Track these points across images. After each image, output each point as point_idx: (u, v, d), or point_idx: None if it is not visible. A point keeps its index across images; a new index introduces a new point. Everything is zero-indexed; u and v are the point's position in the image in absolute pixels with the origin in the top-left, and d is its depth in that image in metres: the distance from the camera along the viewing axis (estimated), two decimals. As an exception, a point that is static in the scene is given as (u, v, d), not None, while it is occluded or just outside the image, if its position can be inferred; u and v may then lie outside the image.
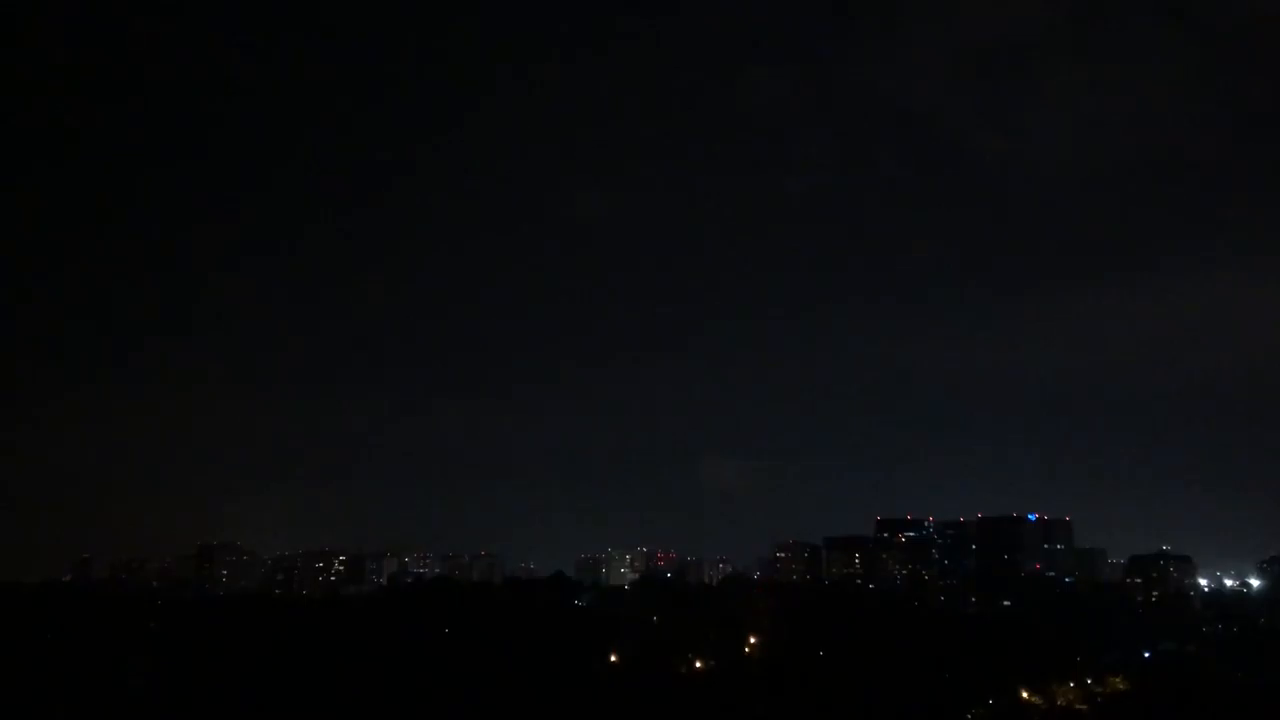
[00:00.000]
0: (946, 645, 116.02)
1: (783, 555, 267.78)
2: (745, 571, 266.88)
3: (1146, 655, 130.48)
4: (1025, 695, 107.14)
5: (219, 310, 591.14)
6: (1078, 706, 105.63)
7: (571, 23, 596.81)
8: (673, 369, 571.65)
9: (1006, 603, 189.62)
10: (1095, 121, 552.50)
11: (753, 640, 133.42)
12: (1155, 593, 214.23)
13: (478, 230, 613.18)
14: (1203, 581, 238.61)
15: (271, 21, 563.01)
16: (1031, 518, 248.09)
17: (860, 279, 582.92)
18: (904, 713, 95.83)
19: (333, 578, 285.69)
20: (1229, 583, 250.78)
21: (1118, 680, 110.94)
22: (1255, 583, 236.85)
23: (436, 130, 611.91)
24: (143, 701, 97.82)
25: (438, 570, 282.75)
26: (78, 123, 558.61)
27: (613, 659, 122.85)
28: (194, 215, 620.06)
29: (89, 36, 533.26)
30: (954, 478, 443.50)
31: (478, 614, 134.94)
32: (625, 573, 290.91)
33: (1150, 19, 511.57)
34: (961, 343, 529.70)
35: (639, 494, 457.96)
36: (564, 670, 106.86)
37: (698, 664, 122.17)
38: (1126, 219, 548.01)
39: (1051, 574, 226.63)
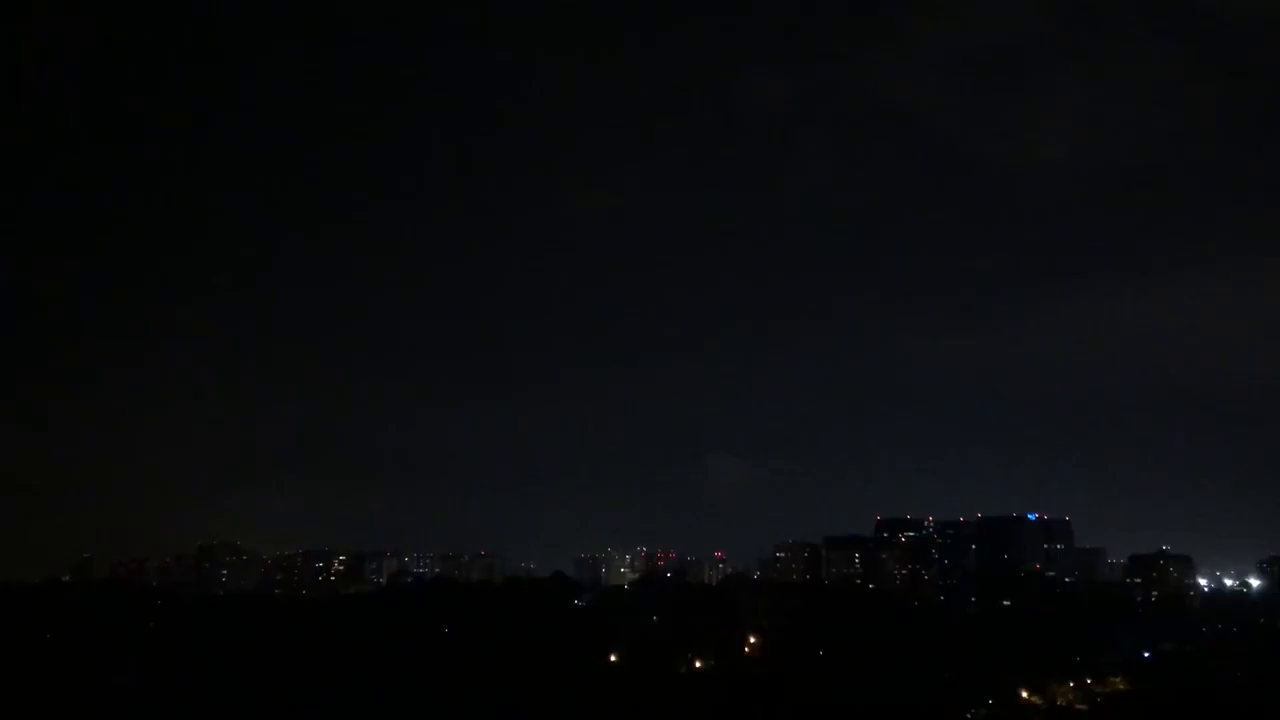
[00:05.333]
0: (946, 645, 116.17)
1: (783, 555, 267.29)
2: (745, 571, 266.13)
3: (1146, 655, 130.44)
4: (1025, 695, 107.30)
5: (220, 310, 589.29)
6: (1078, 706, 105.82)
7: (573, 25, 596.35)
8: (674, 369, 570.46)
9: (1006, 603, 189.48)
10: (1091, 123, 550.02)
11: (753, 640, 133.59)
12: (1155, 593, 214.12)
13: (479, 231, 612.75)
14: (1203, 581, 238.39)
15: (284, 20, 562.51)
16: (1031, 518, 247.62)
17: (859, 279, 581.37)
18: (904, 713, 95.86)
19: (333, 578, 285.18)
20: (1229, 583, 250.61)
21: (1118, 680, 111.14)
22: (1255, 583, 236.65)
23: (438, 131, 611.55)
24: (142, 700, 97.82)
25: (438, 570, 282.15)
26: (81, 120, 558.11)
27: (613, 659, 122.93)
28: (195, 214, 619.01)
29: (94, 32, 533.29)
30: (954, 478, 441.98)
31: (478, 614, 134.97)
32: (625, 573, 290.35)
33: (1145, 21, 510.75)
34: (961, 343, 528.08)
35: (639, 494, 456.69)
36: (564, 670, 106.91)
37: (698, 664, 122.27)
38: (1124, 219, 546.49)
39: (1051, 574, 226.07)
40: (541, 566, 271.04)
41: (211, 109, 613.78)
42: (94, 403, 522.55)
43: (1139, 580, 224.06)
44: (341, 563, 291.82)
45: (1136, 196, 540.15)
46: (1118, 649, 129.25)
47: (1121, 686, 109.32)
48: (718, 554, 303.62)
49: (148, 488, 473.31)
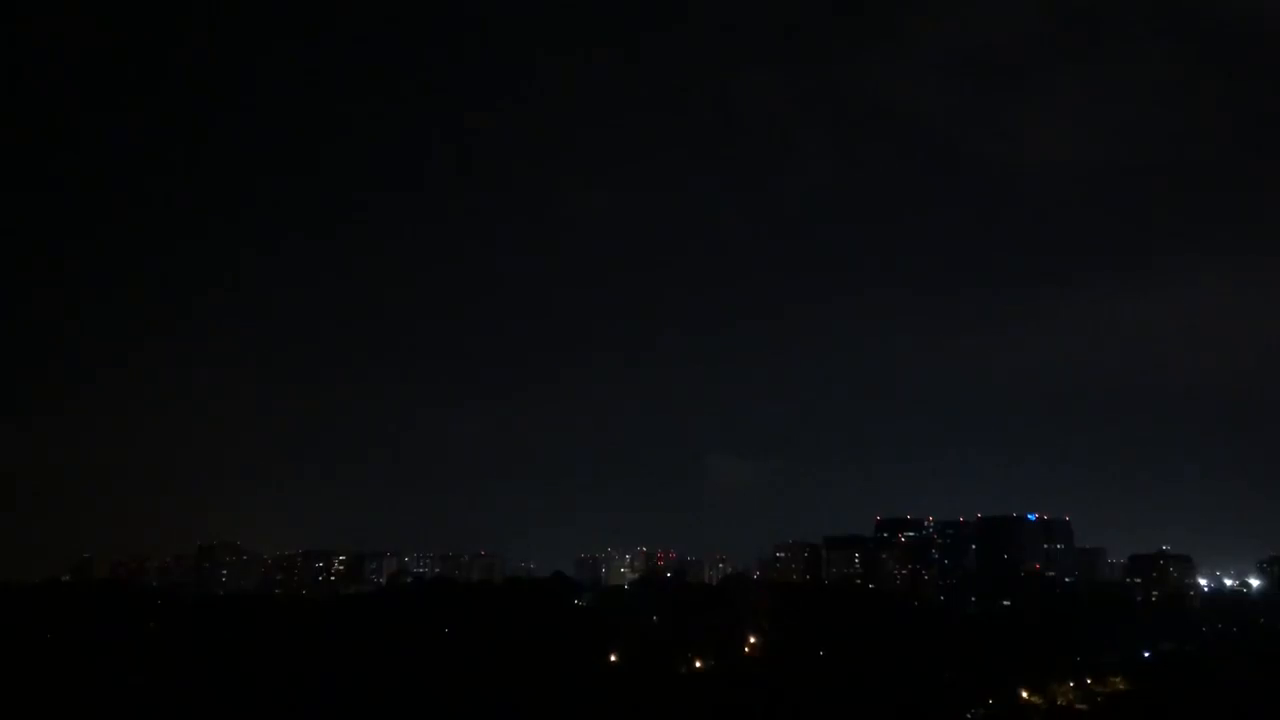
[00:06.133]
0: (946, 645, 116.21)
1: (783, 555, 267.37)
2: (745, 571, 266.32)
3: (1146, 655, 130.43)
4: (1025, 695, 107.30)
5: (220, 309, 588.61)
6: (1078, 706, 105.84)
7: (573, 25, 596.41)
8: (674, 369, 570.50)
9: (1006, 603, 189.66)
10: (1091, 123, 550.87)
11: (753, 640, 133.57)
12: (1155, 593, 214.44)
13: (478, 230, 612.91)
14: (1203, 581, 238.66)
15: (284, 20, 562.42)
16: (1031, 518, 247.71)
17: (859, 279, 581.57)
18: (904, 713, 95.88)
19: (333, 578, 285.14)
20: (1229, 583, 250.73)
21: (1118, 680, 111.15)
22: (1255, 583, 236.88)
23: (438, 131, 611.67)
24: (142, 700, 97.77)
25: (438, 570, 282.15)
26: (79, 119, 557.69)
27: (613, 659, 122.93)
28: (196, 214, 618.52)
29: (95, 28, 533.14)
30: (954, 478, 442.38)
31: (478, 614, 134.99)
32: (625, 573, 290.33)
33: (1145, 21, 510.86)
34: (961, 343, 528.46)
35: (639, 494, 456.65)
36: (564, 670, 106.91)
37: (698, 664, 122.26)
38: (1124, 220, 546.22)
39: (1051, 574, 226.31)
40: (541, 566, 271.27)
41: (211, 109, 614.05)
42: (94, 403, 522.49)
43: (1139, 580, 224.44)
44: (341, 563, 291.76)
45: (1136, 196, 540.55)
46: (1118, 649, 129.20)
47: (1121, 686, 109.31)
48: (718, 554, 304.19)
49: (148, 488, 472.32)
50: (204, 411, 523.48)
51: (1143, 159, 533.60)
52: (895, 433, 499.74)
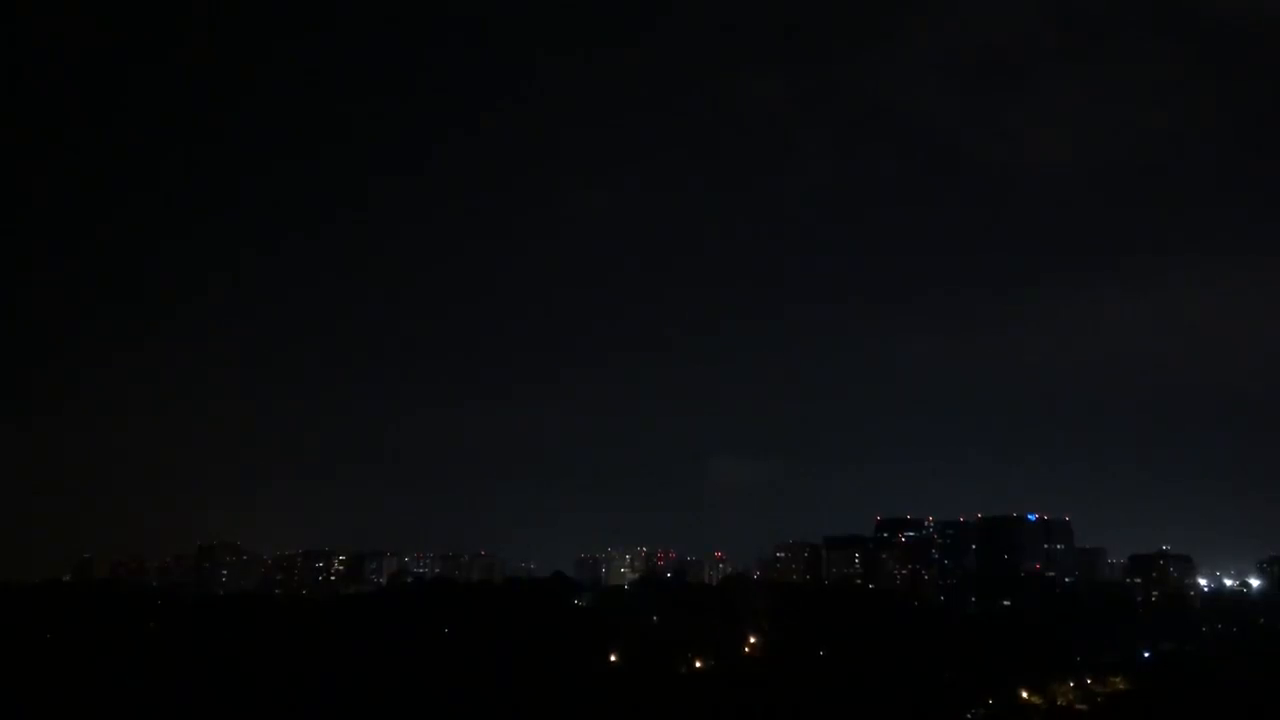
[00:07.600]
0: (946, 645, 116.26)
1: (783, 555, 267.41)
2: (745, 571, 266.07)
3: (1146, 655, 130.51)
4: (1025, 695, 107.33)
5: (219, 309, 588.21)
6: (1078, 707, 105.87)
7: (573, 25, 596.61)
8: (674, 369, 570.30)
9: (1006, 603, 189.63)
10: (1091, 123, 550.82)
11: (753, 640, 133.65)
12: (1155, 593, 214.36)
13: (478, 230, 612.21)
14: (1203, 581, 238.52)
15: (284, 20, 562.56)
16: (1031, 518, 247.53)
17: (859, 279, 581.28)
18: (904, 713, 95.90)
19: (333, 578, 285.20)
20: (1229, 583, 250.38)
21: (1118, 680, 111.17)
22: (1255, 583, 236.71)
23: (438, 132, 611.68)
24: (142, 700, 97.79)
25: (438, 570, 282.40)
26: (79, 119, 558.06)
27: (613, 659, 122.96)
28: (195, 213, 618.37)
29: (95, 28, 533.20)
30: (954, 478, 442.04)
31: (478, 614, 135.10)
32: (625, 573, 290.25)
33: (1145, 21, 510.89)
34: (961, 343, 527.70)
35: (639, 494, 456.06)
36: (564, 670, 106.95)
37: (698, 664, 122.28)
38: (1124, 220, 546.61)
39: (1051, 574, 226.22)
40: (541, 566, 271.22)
41: (211, 109, 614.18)
42: (94, 403, 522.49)
43: (1139, 580, 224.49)
44: (341, 563, 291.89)
45: (1136, 197, 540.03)
46: (1118, 649, 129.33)
47: (1121, 686, 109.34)
48: (718, 554, 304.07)
49: (148, 488, 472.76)
50: (204, 411, 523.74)
51: (1143, 159, 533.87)
52: (895, 433, 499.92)
